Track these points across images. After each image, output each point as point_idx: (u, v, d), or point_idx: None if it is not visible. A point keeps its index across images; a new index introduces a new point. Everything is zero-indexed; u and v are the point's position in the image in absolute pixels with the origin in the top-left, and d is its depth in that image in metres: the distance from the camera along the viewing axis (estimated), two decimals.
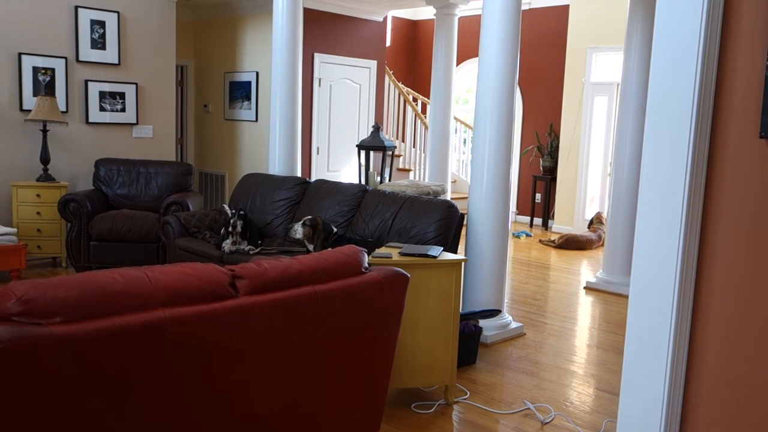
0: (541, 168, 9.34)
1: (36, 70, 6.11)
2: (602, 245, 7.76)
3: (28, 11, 6.03)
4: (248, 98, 7.87)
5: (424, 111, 9.62)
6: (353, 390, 2.47)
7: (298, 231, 4.46)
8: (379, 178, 5.98)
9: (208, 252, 4.86)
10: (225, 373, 2.00)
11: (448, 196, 7.37)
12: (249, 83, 7.84)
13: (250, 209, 5.41)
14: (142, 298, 1.84)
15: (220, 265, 2.15)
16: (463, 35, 9.10)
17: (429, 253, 3.39)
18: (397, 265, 3.20)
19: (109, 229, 5.62)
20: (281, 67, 5.80)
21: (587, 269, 6.91)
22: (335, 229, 4.59)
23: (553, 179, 9.15)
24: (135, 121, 6.80)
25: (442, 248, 3.57)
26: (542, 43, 9.31)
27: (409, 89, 9.79)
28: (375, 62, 8.53)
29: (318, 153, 8.10)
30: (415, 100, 9.68)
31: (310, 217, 4.56)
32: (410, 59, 11.04)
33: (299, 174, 6.10)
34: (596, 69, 8.55)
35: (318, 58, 7.88)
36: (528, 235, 8.61)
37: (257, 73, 7.73)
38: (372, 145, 5.81)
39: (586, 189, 8.76)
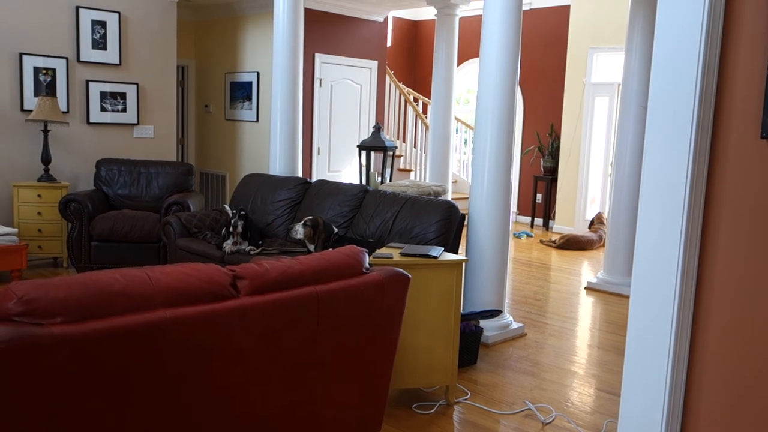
0: (542, 168, 9.33)
1: (37, 71, 6.11)
2: (603, 245, 7.76)
3: (29, 12, 6.04)
4: (249, 98, 7.87)
5: (424, 111, 9.62)
6: (354, 390, 2.47)
7: (299, 231, 4.46)
8: (379, 179, 5.98)
9: (209, 252, 4.86)
10: (226, 374, 2.00)
11: (449, 197, 7.37)
12: (250, 83, 7.84)
13: (251, 209, 5.42)
14: (143, 299, 1.84)
15: (221, 265, 2.15)
16: (464, 35, 9.10)
17: (430, 253, 3.39)
18: (398, 265, 3.20)
19: (110, 230, 5.62)
20: (282, 68, 5.80)
21: (588, 269, 6.91)
22: (336, 230, 4.59)
23: (554, 179, 9.14)
24: (136, 122, 6.80)
25: (442, 248, 3.57)
26: (543, 43, 9.31)
27: (409, 89, 9.79)
28: (376, 62, 8.53)
29: (319, 153, 8.10)
30: (416, 100, 9.68)
31: (310, 217, 4.56)
32: (411, 59, 11.04)
33: (300, 174, 6.10)
34: (597, 69, 8.55)
35: (319, 58, 7.88)
36: (529, 236, 8.61)
37: (258, 74, 7.74)
38: (373, 145, 5.81)
39: (587, 189, 8.76)
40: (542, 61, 9.34)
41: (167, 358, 1.84)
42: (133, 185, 6.22)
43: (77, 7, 6.28)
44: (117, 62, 6.58)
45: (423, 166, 9.30)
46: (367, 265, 2.49)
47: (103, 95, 6.54)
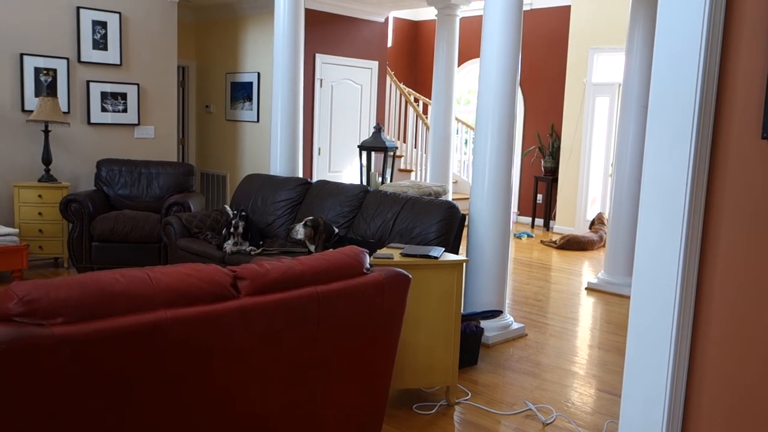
0: (543, 169, 9.33)
1: (38, 71, 6.11)
2: (604, 246, 7.75)
3: (30, 12, 6.04)
4: (250, 99, 7.88)
5: (425, 111, 9.62)
6: (354, 391, 2.47)
7: (300, 232, 4.46)
8: (380, 179, 5.98)
9: (209, 253, 4.86)
10: (226, 374, 2.00)
11: (450, 197, 7.37)
12: (250, 84, 7.84)
13: (251, 210, 5.42)
14: (144, 299, 1.84)
15: (221, 265, 2.15)
16: (465, 36, 9.10)
17: (430, 253, 3.39)
18: (399, 265, 3.20)
19: (110, 230, 5.62)
20: (282, 68, 5.80)
21: (589, 270, 6.91)
22: (336, 230, 4.59)
23: (555, 180, 9.14)
24: (137, 122, 6.80)
25: (443, 249, 3.57)
26: (543, 43, 9.31)
27: (410, 90, 9.79)
28: (376, 63, 8.53)
29: (319, 154, 8.10)
30: (416, 100, 9.68)
31: (311, 217, 4.56)
32: (411, 60, 11.04)
33: (301, 175, 6.10)
34: (597, 69, 8.55)
35: (319, 58, 7.88)
36: (529, 236, 8.61)
37: (259, 74, 7.74)
38: (373, 145, 5.81)
39: (588, 190, 8.75)
40: (543, 61, 9.34)
41: (168, 359, 1.84)
42: (134, 186, 6.22)
43: (78, 8, 6.28)
44: (118, 63, 6.58)
45: (423, 167, 9.30)
46: (368, 266, 2.49)
47: (104, 95, 6.54)
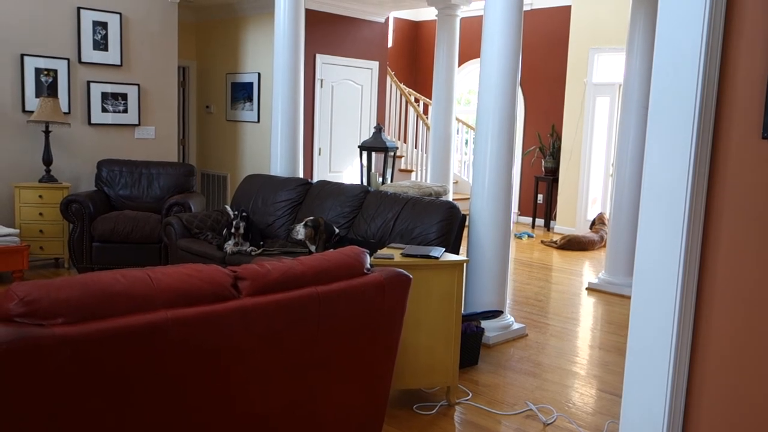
0: (543, 169, 9.33)
1: (38, 72, 6.12)
2: (604, 246, 7.75)
3: (31, 13, 6.05)
4: (250, 99, 7.88)
5: (425, 112, 9.62)
6: (355, 391, 2.47)
7: (300, 232, 4.46)
8: (380, 179, 5.98)
9: (210, 253, 4.86)
10: (226, 374, 2.00)
11: (450, 197, 7.37)
12: (251, 84, 7.84)
13: (252, 210, 5.42)
14: (144, 299, 1.84)
15: (222, 266, 2.15)
16: (465, 36, 9.10)
17: (431, 254, 3.39)
18: (399, 266, 3.20)
19: (111, 230, 5.62)
20: (283, 68, 5.80)
21: (589, 270, 6.90)
22: (337, 230, 4.59)
23: (555, 180, 9.14)
24: (137, 122, 6.81)
25: (444, 249, 3.57)
26: (544, 43, 9.31)
27: (410, 90, 9.79)
28: (377, 63, 8.53)
29: (320, 154, 8.10)
30: (416, 100, 9.68)
31: (312, 218, 4.56)
32: (412, 60, 11.04)
33: (301, 175, 6.10)
34: (598, 70, 8.55)
35: (320, 59, 7.88)
36: (530, 236, 8.61)
37: (259, 74, 7.74)
38: (374, 146, 5.81)
39: (588, 190, 8.75)
40: (543, 61, 9.34)
41: (168, 359, 1.84)
42: (135, 186, 6.22)
43: (78, 8, 6.29)
44: (118, 63, 6.58)
45: (424, 167, 9.30)
46: (368, 266, 2.49)
47: (105, 96, 6.55)
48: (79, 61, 6.35)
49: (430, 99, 8.08)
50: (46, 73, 6.15)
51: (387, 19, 8.61)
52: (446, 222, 4.23)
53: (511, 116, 4.30)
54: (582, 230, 8.58)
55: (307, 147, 7.83)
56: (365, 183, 5.96)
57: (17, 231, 5.48)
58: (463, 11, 7.50)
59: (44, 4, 6.11)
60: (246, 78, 7.90)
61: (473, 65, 10.02)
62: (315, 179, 7.75)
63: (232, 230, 4.83)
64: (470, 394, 3.60)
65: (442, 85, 7.30)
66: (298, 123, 5.92)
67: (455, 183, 9.47)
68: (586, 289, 6.08)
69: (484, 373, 3.92)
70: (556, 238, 8.38)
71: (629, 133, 5.77)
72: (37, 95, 6.08)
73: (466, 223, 4.39)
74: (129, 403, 1.80)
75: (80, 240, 5.67)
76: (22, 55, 6.01)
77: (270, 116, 6.44)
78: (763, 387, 2.02)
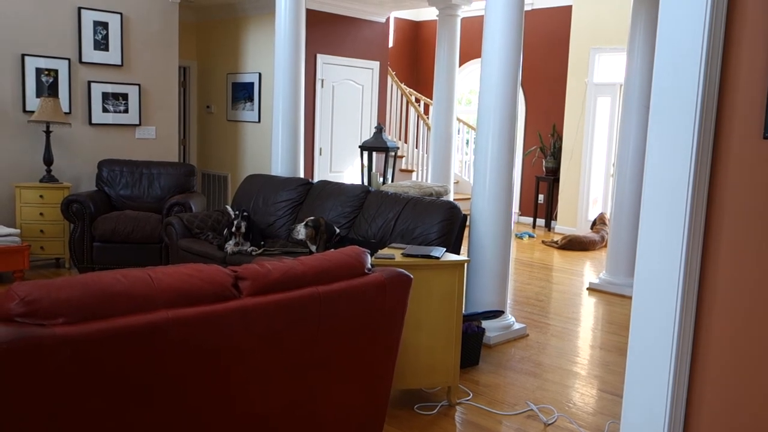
0: (544, 169, 9.33)
1: (39, 72, 6.12)
2: (605, 246, 7.75)
3: (31, 13, 6.05)
4: (251, 99, 7.88)
5: (426, 112, 9.61)
6: (356, 391, 2.46)
7: (301, 232, 4.46)
8: (381, 179, 5.98)
9: (210, 253, 4.86)
10: (227, 374, 2.00)
11: (451, 197, 7.37)
12: (251, 84, 7.85)
13: (252, 210, 5.42)
14: (145, 299, 1.84)
15: (222, 266, 2.15)
16: (466, 36, 9.10)
17: (432, 254, 3.38)
18: (400, 266, 3.20)
19: (112, 230, 5.62)
20: (284, 68, 5.80)
21: (590, 270, 6.90)
22: (338, 230, 4.59)
23: (556, 180, 9.14)
24: (138, 122, 6.81)
25: (444, 249, 3.57)
26: (545, 43, 9.31)
27: (411, 90, 9.79)
28: (378, 63, 8.53)
29: (321, 154, 8.10)
30: (417, 101, 9.68)
31: (312, 218, 4.56)
32: (413, 60, 11.04)
33: (302, 175, 6.10)
34: (599, 70, 8.54)
35: (320, 59, 7.88)
36: (531, 236, 8.61)
37: (260, 74, 7.74)
38: (375, 146, 5.81)
39: (589, 190, 8.75)
40: (544, 61, 9.34)
41: (168, 359, 1.84)
42: (135, 186, 6.22)
43: (79, 8, 6.29)
44: (119, 63, 6.58)
45: (425, 167, 9.29)
46: (369, 266, 2.49)
47: (105, 96, 6.55)
48: (80, 61, 6.35)
49: (431, 99, 8.07)
50: (46, 73, 6.16)
51: (388, 19, 8.61)
52: (447, 222, 4.23)
53: (512, 116, 4.30)
54: (583, 230, 8.58)
55: (307, 147, 7.83)
56: (366, 183, 5.96)
57: (18, 231, 5.48)
58: (464, 11, 7.50)
59: (45, 4, 6.11)
60: (247, 78, 7.90)
61: (474, 65, 10.01)
62: (316, 179, 7.75)
63: (233, 230, 4.83)
64: (471, 395, 3.60)
65: (443, 85, 7.30)
66: (298, 123, 5.92)
67: (456, 183, 9.47)
68: (587, 289, 6.08)
69: (485, 373, 3.92)
70: (557, 238, 8.38)
71: (630, 133, 5.76)
72: (38, 95, 6.08)
73: (467, 223, 4.39)
74: (129, 403, 1.80)
75: (81, 240, 5.67)
76: (23, 55, 6.01)
77: (271, 116, 6.44)
78: (764, 386, 2.02)
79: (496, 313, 4.24)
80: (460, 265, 3.38)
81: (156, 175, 6.28)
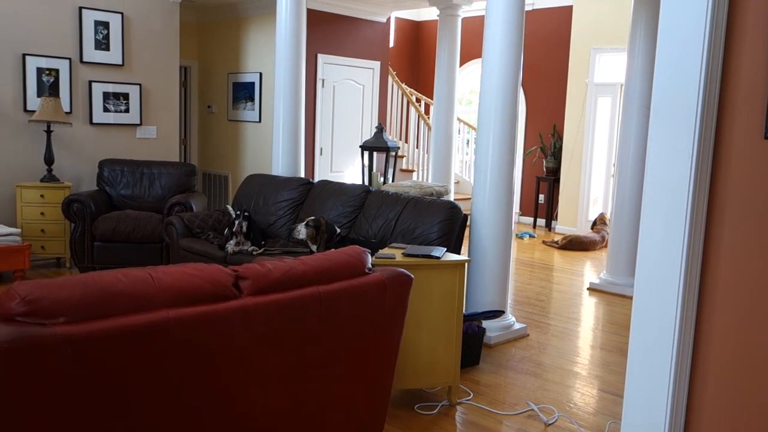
0: (545, 169, 9.33)
1: (40, 71, 6.12)
2: (606, 246, 7.74)
3: (33, 12, 6.05)
4: (251, 99, 7.88)
5: (427, 112, 9.61)
6: (356, 391, 2.46)
7: (302, 232, 4.46)
8: (382, 179, 5.98)
9: (211, 253, 4.86)
10: (228, 374, 2.00)
11: (452, 197, 7.37)
12: (252, 84, 7.85)
13: (253, 210, 5.42)
14: (146, 299, 1.84)
15: (223, 265, 2.15)
16: (467, 36, 9.10)
17: (432, 253, 3.38)
18: (401, 265, 3.20)
19: (112, 230, 5.62)
20: (284, 68, 5.81)
21: (591, 270, 6.90)
22: (338, 230, 4.59)
23: (557, 180, 9.14)
24: (139, 122, 6.81)
25: (445, 249, 3.57)
26: (546, 43, 9.31)
27: (412, 90, 9.79)
28: (378, 63, 8.53)
29: (321, 154, 8.10)
30: (418, 101, 9.68)
31: (313, 217, 4.56)
32: (413, 60, 11.04)
33: (302, 175, 6.10)
34: (600, 70, 8.54)
35: (321, 59, 7.88)
36: (531, 236, 8.61)
37: (260, 74, 7.74)
38: (375, 145, 5.81)
39: (590, 190, 8.75)
40: (545, 61, 9.34)
41: (169, 359, 1.84)
42: (136, 186, 6.23)
43: (80, 8, 6.29)
44: (120, 63, 6.59)
45: (425, 167, 9.29)
46: (370, 266, 2.49)
47: (106, 96, 6.55)
48: (81, 61, 6.36)
49: (432, 99, 8.07)
50: (47, 72, 6.16)
51: (388, 19, 8.61)
52: (448, 222, 4.23)
53: (513, 116, 4.30)
54: (583, 230, 8.58)
55: (308, 147, 7.83)
56: (366, 183, 5.96)
57: (19, 230, 5.48)
58: (465, 11, 7.50)
59: (46, 3, 6.11)
60: (247, 78, 7.90)
61: (475, 65, 10.01)
62: (316, 179, 7.75)
63: (234, 230, 4.83)
64: (471, 394, 3.60)
65: (444, 85, 7.30)
66: (299, 123, 5.92)
67: (457, 183, 9.47)
68: (588, 289, 6.08)
69: (486, 373, 3.92)
70: (557, 238, 8.38)
71: (631, 133, 5.76)
72: (39, 95, 6.08)
73: (468, 223, 4.39)
74: (130, 403, 1.80)
75: (82, 239, 5.67)
76: (24, 55, 6.02)
77: (271, 116, 6.44)
78: (766, 386, 2.02)
79: (497, 313, 4.24)
80: (460, 265, 3.38)
81: (157, 175, 6.29)
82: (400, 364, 3.26)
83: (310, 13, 7.06)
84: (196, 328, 1.89)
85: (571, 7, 8.83)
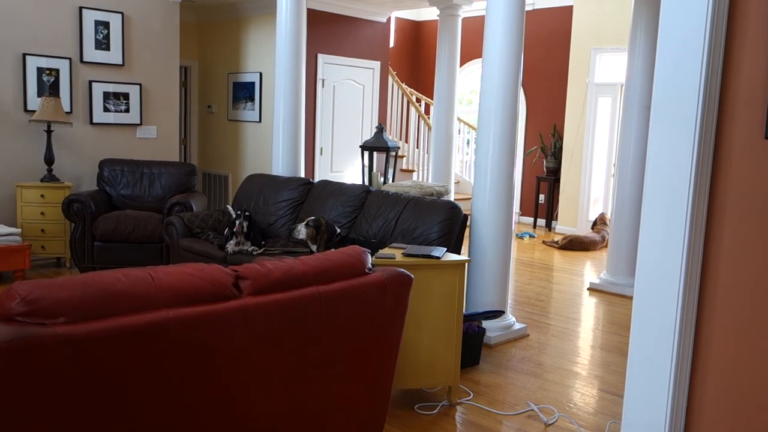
0: (545, 169, 9.32)
1: (40, 71, 6.12)
2: (606, 246, 7.74)
3: (33, 12, 6.05)
4: (252, 99, 7.88)
5: (427, 112, 9.61)
6: (356, 391, 2.46)
7: (302, 232, 4.46)
8: (382, 179, 5.98)
9: (211, 253, 4.86)
10: (228, 374, 2.00)
11: (452, 197, 7.37)
12: (252, 84, 7.85)
13: (253, 210, 5.42)
14: (146, 299, 1.84)
15: (223, 265, 2.15)
16: (467, 36, 9.10)
17: (432, 253, 3.38)
18: (401, 265, 3.20)
19: (112, 230, 5.62)
20: (284, 68, 5.81)
21: (591, 270, 6.90)
22: (338, 230, 4.59)
23: (557, 180, 9.14)
24: (139, 122, 6.81)
25: (445, 249, 3.57)
26: (546, 43, 9.30)
27: (412, 90, 9.79)
28: (378, 63, 8.53)
29: (321, 154, 8.10)
30: (418, 101, 9.68)
31: (313, 217, 4.56)
32: (414, 60, 11.03)
33: (302, 175, 6.10)
34: (600, 70, 8.54)
35: (321, 58, 7.88)
36: (531, 236, 8.61)
37: (261, 74, 7.74)
38: (375, 145, 5.81)
39: (590, 190, 8.75)
40: (545, 61, 9.34)
41: (169, 359, 1.84)
42: (136, 185, 6.23)
43: (80, 8, 6.29)
44: (120, 63, 6.59)
45: (425, 167, 9.29)
46: (370, 266, 2.49)
47: (106, 96, 6.55)
48: (81, 61, 6.36)
49: (432, 99, 8.07)
50: (47, 72, 6.16)
51: (389, 19, 8.61)
52: (448, 222, 4.23)
53: (513, 116, 4.30)
54: (583, 230, 8.57)
55: (308, 147, 7.83)
56: (367, 183, 5.96)
57: (19, 230, 5.48)
58: (465, 11, 7.50)
59: (46, 3, 6.11)
60: (247, 78, 7.90)
61: (475, 65, 10.01)
62: (316, 179, 7.75)
63: (234, 230, 4.83)
64: (471, 394, 3.60)
65: (444, 85, 7.30)
66: (299, 123, 5.92)
67: (457, 183, 9.47)
68: (588, 289, 6.08)
69: (486, 373, 3.92)
70: (557, 238, 8.38)
71: (631, 133, 5.76)
72: (39, 95, 6.08)
73: (468, 223, 4.39)
74: (130, 403, 1.80)
75: (82, 239, 5.67)
76: (24, 55, 6.02)
77: (271, 116, 6.44)
78: (766, 387, 2.02)
79: (497, 313, 4.24)
80: (460, 265, 3.38)
81: (157, 175, 6.29)
82: (400, 364, 3.26)
83: (310, 13, 7.06)
84: (196, 328, 1.89)
85: (571, 7, 8.83)
